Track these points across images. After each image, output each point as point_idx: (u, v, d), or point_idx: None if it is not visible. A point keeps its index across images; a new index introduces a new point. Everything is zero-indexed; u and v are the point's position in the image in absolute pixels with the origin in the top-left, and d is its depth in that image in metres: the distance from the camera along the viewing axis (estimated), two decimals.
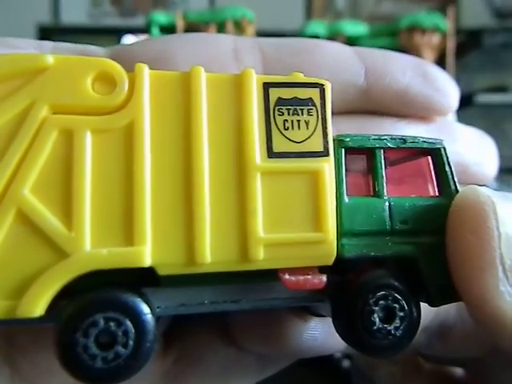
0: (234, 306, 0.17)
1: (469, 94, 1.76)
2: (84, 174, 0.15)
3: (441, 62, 1.32)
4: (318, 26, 1.30)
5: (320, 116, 0.17)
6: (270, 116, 0.17)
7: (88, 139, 0.15)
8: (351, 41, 1.31)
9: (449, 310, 0.20)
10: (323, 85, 0.17)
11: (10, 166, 0.15)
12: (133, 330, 0.16)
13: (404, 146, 0.18)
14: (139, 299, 0.16)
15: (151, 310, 0.16)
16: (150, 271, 0.16)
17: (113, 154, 0.16)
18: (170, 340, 0.21)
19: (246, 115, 0.16)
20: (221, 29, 1.20)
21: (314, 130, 0.17)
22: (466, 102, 1.70)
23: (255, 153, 0.16)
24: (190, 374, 0.21)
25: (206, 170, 0.16)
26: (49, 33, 1.79)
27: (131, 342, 0.15)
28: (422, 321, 0.17)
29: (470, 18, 1.99)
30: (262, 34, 1.23)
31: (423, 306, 0.18)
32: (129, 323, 0.15)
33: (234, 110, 0.16)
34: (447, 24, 1.30)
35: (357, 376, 0.43)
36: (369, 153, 0.18)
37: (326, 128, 0.17)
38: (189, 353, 0.21)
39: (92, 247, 0.15)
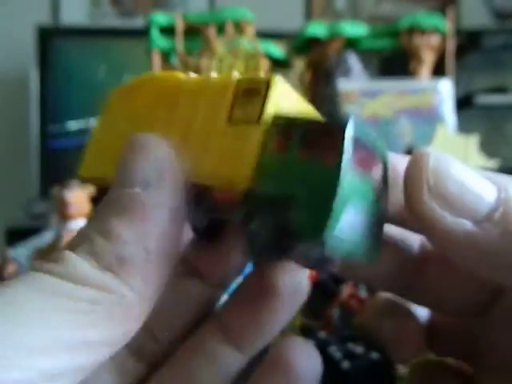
0: None
1: (468, 94, 1.77)
2: None
3: (440, 62, 1.32)
4: (318, 27, 1.30)
5: None
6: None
7: None
8: (351, 41, 1.31)
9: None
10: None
11: None
12: None
13: None
14: None
15: None
16: None
17: None
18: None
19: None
20: (220, 30, 1.21)
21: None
22: (465, 102, 1.71)
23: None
24: None
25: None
26: (48, 33, 1.79)
27: None
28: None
29: (469, 19, 1.99)
30: (261, 34, 1.24)
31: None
32: None
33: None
34: (447, 25, 1.30)
35: (357, 376, 0.43)
36: None
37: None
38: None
39: None
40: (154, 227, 0.16)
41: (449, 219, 0.16)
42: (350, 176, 0.16)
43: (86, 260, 0.15)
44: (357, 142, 0.16)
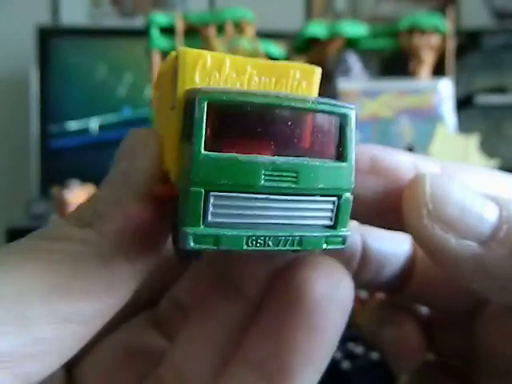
0: None
1: (468, 94, 1.77)
2: None
3: (440, 62, 1.32)
4: (318, 27, 1.31)
5: None
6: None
7: None
8: (351, 41, 1.31)
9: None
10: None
11: None
12: None
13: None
14: None
15: None
16: None
17: None
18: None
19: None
20: (220, 30, 1.21)
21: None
22: (465, 102, 1.71)
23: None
24: None
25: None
26: (48, 33, 1.79)
27: None
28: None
29: (469, 19, 1.99)
30: (261, 34, 1.24)
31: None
32: None
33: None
34: (447, 25, 1.30)
35: (357, 376, 0.43)
36: None
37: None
38: None
39: None
40: (130, 187, 0.16)
41: (453, 241, 0.16)
42: (205, 161, 0.15)
43: (68, 220, 0.16)
44: (221, 119, 0.15)
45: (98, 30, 1.90)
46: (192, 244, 0.15)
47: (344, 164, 0.16)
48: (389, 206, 0.18)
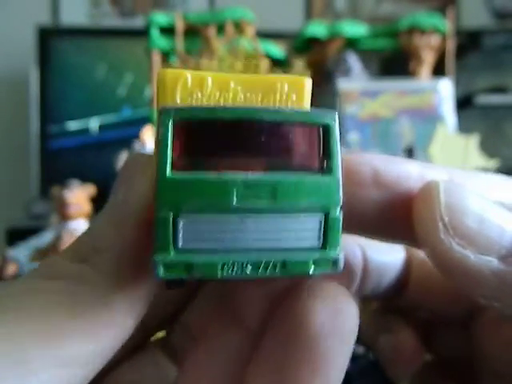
0: None
1: (469, 94, 1.77)
2: None
3: (440, 62, 1.32)
4: (318, 27, 1.31)
5: None
6: None
7: None
8: (351, 41, 1.31)
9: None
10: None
11: None
12: None
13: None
14: None
15: None
16: None
17: None
18: None
19: None
20: (220, 30, 1.21)
21: None
22: (465, 102, 1.71)
23: None
24: None
25: None
26: (48, 33, 1.79)
27: None
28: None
29: (469, 19, 1.99)
30: (261, 34, 1.24)
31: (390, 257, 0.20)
32: None
33: None
34: (447, 25, 1.30)
35: (357, 376, 0.43)
36: None
37: None
38: None
39: None
40: (127, 215, 0.15)
41: (472, 258, 0.14)
42: (172, 183, 0.14)
43: (65, 256, 0.15)
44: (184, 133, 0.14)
45: (98, 30, 1.90)
46: (162, 273, 0.14)
47: (329, 177, 0.15)
48: (394, 220, 0.16)
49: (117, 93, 1.80)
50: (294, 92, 0.16)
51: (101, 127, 1.78)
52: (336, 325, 0.15)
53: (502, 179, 0.18)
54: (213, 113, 0.14)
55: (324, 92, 1.23)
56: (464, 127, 1.24)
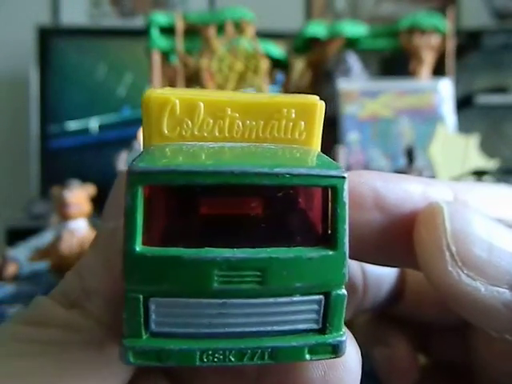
0: None
1: (469, 94, 1.77)
2: None
3: (440, 62, 1.32)
4: (318, 27, 1.31)
5: None
6: None
7: None
8: (351, 41, 1.31)
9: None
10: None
11: None
12: None
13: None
14: None
15: None
16: None
17: None
18: None
19: None
20: (220, 30, 1.21)
21: None
22: (465, 102, 1.71)
23: None
24: None
25: None
26: (48, 33, 1.79)
27: None
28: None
29: (469, 19, 1.99)
30: (261, 34, 1.24)
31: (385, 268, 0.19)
32: None
33: None
34: (447, 25, 1.30)
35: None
36: None
37: None
38: None
39: None
40: (117, 249, 0.14)
41: (483, 290, 0.13)
42: (141, 259, 0.12)
43: (54, 299, 0.14)
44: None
45: (98, 30, 1.90)
46: (132, 360, 0.12)
47: (333, 252, 0.12)
48: (396, 245, 0.15)
49: (117, 93, 1.80)
50: (302, 119, 0.14)
51: (101, 127, 1.78)
52: (329, 380, 0.14)
53: (505, 192, 0.17)
54: (191, 178, 0.11)
55: (324, 92, 1.23)
56: (464, 127, 1.24)
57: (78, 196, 0.57)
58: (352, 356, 0.14)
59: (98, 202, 0.59)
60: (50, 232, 0.75)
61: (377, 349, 0.23)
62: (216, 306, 0.12)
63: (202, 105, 0.13)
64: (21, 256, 0.65)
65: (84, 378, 0.13)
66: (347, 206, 0.12)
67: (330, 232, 0.12)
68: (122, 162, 0.66)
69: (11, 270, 0.60)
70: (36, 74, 1.76)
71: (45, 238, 0.75)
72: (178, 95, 0.13)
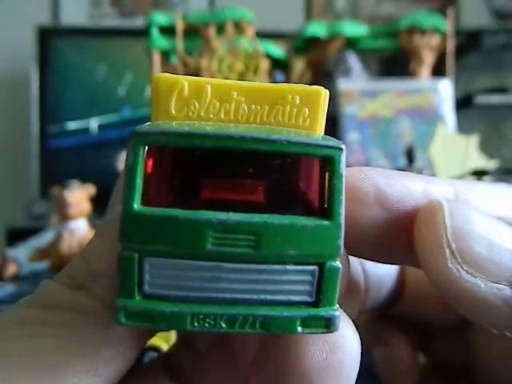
0: None
1: (468, 94, 1.77)
2: None
3: (440, 62, 1.32)
4: (318, 27, 1.31)
5: None
6: None
7: None
8: (351, 41, 1.31)
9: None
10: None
11: None
12: None
13: None
14: None
15: None
16: None
17: None
18: None
19: None
20: (220, 30, 1.21)
21: None
22: (465, 102, 1.71)
23: None
24: None
25: None
26: (48, 33, 1.79)
27: None
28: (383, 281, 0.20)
29: (469, 19, 1.99)
30: (261, 34, 1.24)
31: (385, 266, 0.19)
32: None
33: None
34: (447, 25, 1.30)
35: (357, 376, 0.43)
36: None
37: None
38: None
39: None
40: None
41: (483, 287, 0.14)
42: (139, 219, 0.12)
43: (61, 281, 0.14)
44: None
45: (98, 30, 1.90)
46: (123, 320, 0.12)
47: (328, 222, 0.12)
48: (397, 241, 0.15)
49: (117, 93, 1.80)
50: (307, 105, 0.14)
51: (101, 127, 1.78)
52: (330, 363, 0.14)
53: (505, 190, 0.17)
54: (192, 140, 0.12)
55: None
56: (464, 127, 1.24)
57: (78, 196, 0.57)
58: (352, 340, 0.14)
59: (98, 202, 0.59)
60: (50, 232, 0.75)
61: (377, 349, 0.23)
62: (209, 269, 0.12)
63: (209, 87, 0.14)
64: (21, 256, 0.65)
65: (90, 358, 0.13)
66: (344, 178, 0.12)
67: (325, 203, 0.13)
68: (122, 162, 0.66)
69: (11, 270, 0.60)
70: (36, 74, 1.76)
71: (45, 238, 0.75)
72: (186, 78, 0.14)
